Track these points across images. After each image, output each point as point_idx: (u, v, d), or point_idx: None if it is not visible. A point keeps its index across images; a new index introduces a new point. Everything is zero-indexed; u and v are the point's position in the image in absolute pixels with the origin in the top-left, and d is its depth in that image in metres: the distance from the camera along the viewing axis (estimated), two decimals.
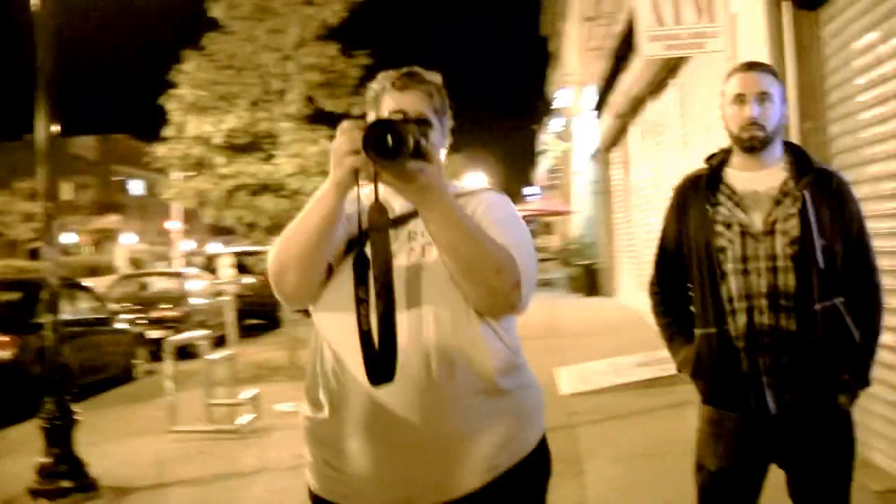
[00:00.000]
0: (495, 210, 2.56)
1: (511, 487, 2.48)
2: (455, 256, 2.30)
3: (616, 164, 24.05)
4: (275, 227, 15.37)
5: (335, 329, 2.45)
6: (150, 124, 16.21)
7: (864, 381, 3.44)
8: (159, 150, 15.35)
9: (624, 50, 16.42)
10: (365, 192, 2.29)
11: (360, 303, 2.26)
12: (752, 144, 3.47)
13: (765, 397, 3.37)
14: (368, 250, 2.29)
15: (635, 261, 19.37)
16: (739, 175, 3.54)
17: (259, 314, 25.83)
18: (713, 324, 3.47)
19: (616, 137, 22.63)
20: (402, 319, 2.29)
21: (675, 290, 3.78)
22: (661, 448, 7.29)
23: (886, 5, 5.63)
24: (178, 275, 21.44)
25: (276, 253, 2.43)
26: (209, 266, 24.58)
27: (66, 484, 7.15)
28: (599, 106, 22.98)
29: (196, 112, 15.01)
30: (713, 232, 3.47)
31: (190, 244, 63.94)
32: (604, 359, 11.99)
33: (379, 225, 2.24)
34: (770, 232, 3.39)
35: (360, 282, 2.27)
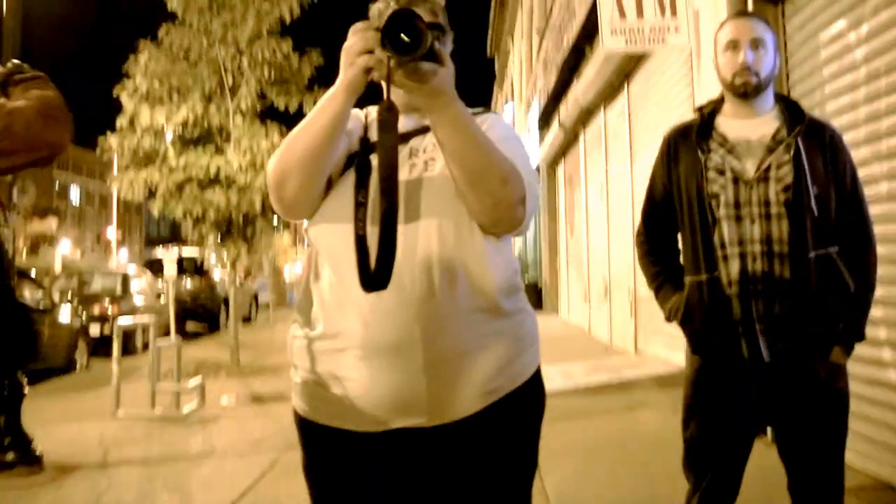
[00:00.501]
0: (499, 129, 2.53)
1: (507, 417, 2.42)
2: (463, 164, 2.25)
3: (560, 180, 24.17)
4: (222, 221, 15.28)
5: (333, 240, 2.37)
6: (101, 122, 16.06)
7: (859, 334, 3.41)
8: (111, 139, 15.19)
9: (575, 60, 16.50)
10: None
11: (359, 207, 2.23)
12: (746, 90, 3.46)
13: (758, 344, 3.33)
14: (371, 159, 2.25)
15: (581, 275, 19.41)
16: (731, 123, 3.52)
17: (200, 317, 25.95)
18: (704, 270, 3.44)
19: (563, 151, 22.72)
20: (403, 232, 2.22)
21: (664, 241, 3.75)
22: (616, 443, 7.26)
23: None
24: (119, 273, 21.42)
25: (277, 159, 2.36)
26: (152, 267, 24.61)
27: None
28: (546, 121, 23.06)
29: (149, 103, 14.89)
30: (705, 178, 3.44)
31: (127, 254, 63.74)
32: (551, 365, 12.00)
33: (388, 122, 2.19)
34: (763, 179, 3.36)
35: (361, 185, 2.24)
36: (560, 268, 24.36)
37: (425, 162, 2.44)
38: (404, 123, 2.38)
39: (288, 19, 14.97)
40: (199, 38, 14.80)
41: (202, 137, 15.00)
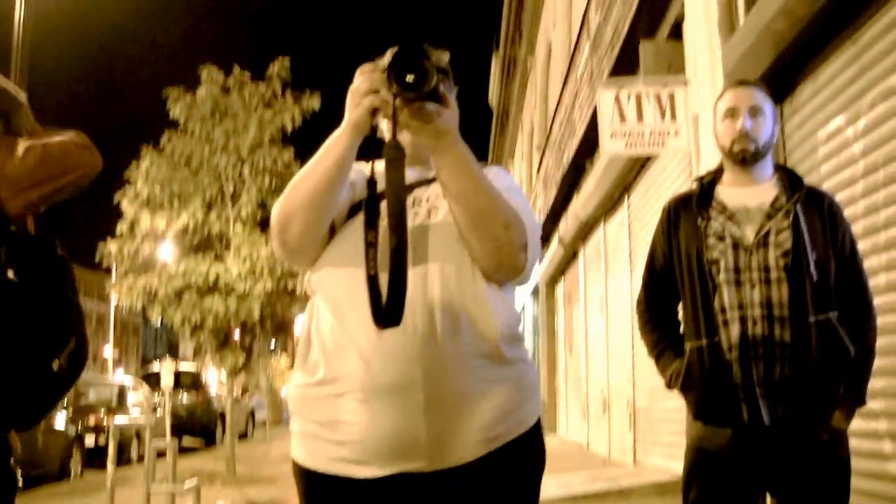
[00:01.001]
0: (504, 179, 2.57)
1: (508, 466, 2.39)
2: (466, 206, 2.28)
3: (559, 298, 24.18)
4: (220, 330, 15.29)
5: (336, 284, 2.38)
6: (100, 231, 16.34)
7: (860, 399, 3.39)
8: (111, 245, 15.33)
9: (574, 176, 16.66)
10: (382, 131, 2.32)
11: (370, 247, 2.21)
12: (744, 157, 3.49)
13: (759, 408, 3.30)
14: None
15: (580, 392, 19.28)
16: (731, 191, 3.55)
17: (196, 432, 25.87)
18: (705, 336, 3.43)
19: (562, 269, 22.78)
20: (408, 276, 2.20)
21: (664, 309, 3.75)
22: None
23: (852, 89, 5.75)
24: (115, 384, 21.34)
25: (282, 202, 2.39)
26: (149, 380, 24.63)
27: None
28: (545, 239, 23.18)
29: (150, 209, 15.07)
30: (705, 245, 3.46)
31: (123, 373, 63.49)
32: (548, 477, 11.83)
33: (395, 160, 2.20)
34: (763, 244, 3.38)
35: (370, 225, 2.23)
36: (559, 386, 24.20)
37: (428, 210, 2.47)
38: (408, 175, 2.39)
39: (289, 128, 15.27)
40: (201, 146, 15.05)
41: (202, 244, 15.15)
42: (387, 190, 2.20)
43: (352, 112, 2.25)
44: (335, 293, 2.38)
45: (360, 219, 2.33)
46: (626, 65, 10.72)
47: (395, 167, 2.20)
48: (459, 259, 2.35)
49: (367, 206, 2.26)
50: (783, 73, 6.61)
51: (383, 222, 2.24)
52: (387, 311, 2.15)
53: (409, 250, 2.25)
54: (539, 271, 24.57)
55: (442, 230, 2.39)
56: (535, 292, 26.98)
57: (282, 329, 17.56)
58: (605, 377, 15.75)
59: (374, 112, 2.21)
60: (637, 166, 12.22)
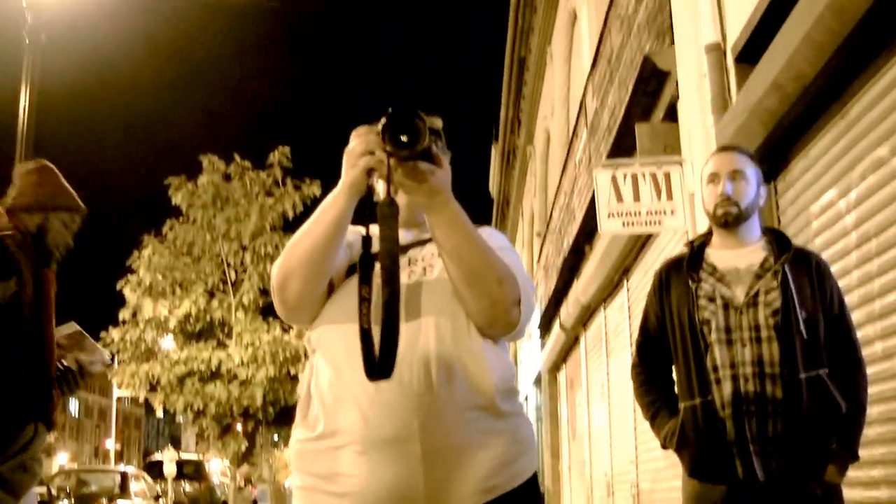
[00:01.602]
0: (497, 239, 2.65)
1: None
2: (460, 263, 2.35)
3: (562, 384, 24.07)
4: (222, 416, 15.26)
5: (334, 340, 2.45)
6: (102, 320, 16.49)
7: (852, 453, 3.43)
8: (113, 333, 15.40)
9: (575, 261, 16.73)
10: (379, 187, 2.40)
11: (363, 301, 2.28)
12: (726, 220, 3.58)
13: (753, 465, 3.34)
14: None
15: (584, 478, 19.10)
16: (720, 254, 3.63)
17: None
18: (698, 394, 3.49)
19: (564, 356, 22.71)
20: (403, 330, 2.27)
21: (659, 371, 3.81)
22: None
23: (842, 162, 5.84)
24: (117, 471, 21.15)
25: (282, 260, 2.46)
26: (151, 469, 24.49)
27: None
28: (546, 327, 23.15)
29: (152, 296, 15.16)
30: (696, 306, 3.53)
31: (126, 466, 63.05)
32: None
33: (388, 216, 2.27)
34: (753, 304, 3.45)
35: (364, 281, 2.30)
36: (562, 472, 23.96)
37: (424, 268, 2.55)
38: (403, 236, 2.47)
39: (291, 215, 15.48)
40: (203, 233, 15.24)
41: (204, 331, 15.24)
42: (380, 245, 2.27)
43: (348, 172, 2.32)
44: (333, 348, 2.45)
45: (356, 277, 2.40)
46: (622, 148, 10.85)
47: (388, 223, 2.27)
48: (454, 314, 2.41)
49: (361, 262, 2.34)
50: (775, 149, 6.71)
51: (378, 279, 2.31)
52: (379, 363, 2.20)
53: (404, 305, 2.33)
54: (541, 359, 24.54)
55: (437, 287, 2.46)
56: (538, 381, 26.87)
57: (285, 419, 17.53)
58: (609, 460, 15.63)
59: (369, 172, 2.28)
60: (635, 249, 12.29)
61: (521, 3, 22.03)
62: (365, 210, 2.41)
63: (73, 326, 3.96)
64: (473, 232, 2.39)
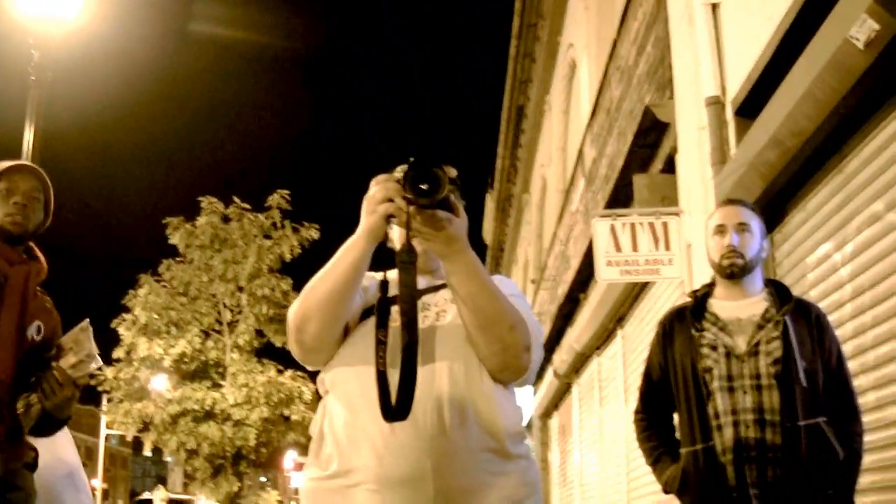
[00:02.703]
0: (508, 286, 2.72)
1: None
2: (474, 309, 2.41)
3: (553, 430, 24.04)
4: (215, 456, 15.24)
5: (349, 381, 2.51)
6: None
7: (849, 500, 3.50)
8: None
9: (569, 308, 16.79)
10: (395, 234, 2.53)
11: (380, 345, 2.34)
12: (732, 271, 3.66)
13: None
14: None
15: None
16: (723, 304, 3.71)
17: None
18: (700, 441, 3.56)
19: (555, 403, 22.69)
20: (418, 373, 2.32)
21: (660, 416, 3.88)
22: None
23: (839, 216, 5.94)
24: None
25: (300, 303, 2.53)
26: None
27: None
28: (539, 373, 23.12)
29: (147, 335, 15.19)
30: (699, 354, 3.61)
31: None
32: None
33: (408, 263, 2.34)
34: (754, 353, 3.53)
35: (381, 325, 2.36)
36: None
37: (437, 313, 2.61)
38: (418, 282, 2.54)
39: (288, 257, 15.55)
40: (200, 274, 15.31)
41: (198, 371, 15.28)
42: (400, 290, 2.32)
43: (367, 218, 2.38)
44: (348, 390, 2.50)
45: (371, 321, 2.46)
46: (620, 198, 10.96)
47: (407, 270, 2.33)
48: (467, 359, 2.48)
49: (378, 306, 2.39)
50: (773, 202, 6.80)
51: (394, 323, 2.38)
52: (396, 405, 2.26)
53: (419, 349, 2.38)
54: (533, 405, 24.49)
55: (450, 332, 2.53)
56: (529, 427, 26.82)
57: (273, 463, 17.49)
58: None
59: (388, 219, 2.34)
60: (630, 297, 12.35)
61: (520, 53, 22.19)
62: (380, 255, 2.49)
63: (84, 323, 3.91)
64: (488, 279, 2.46)
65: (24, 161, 4.08)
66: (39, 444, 3.82)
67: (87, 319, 3.92)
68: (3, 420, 3.54)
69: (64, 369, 3.63)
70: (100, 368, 15.24)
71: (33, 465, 3.75)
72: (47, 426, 3.76)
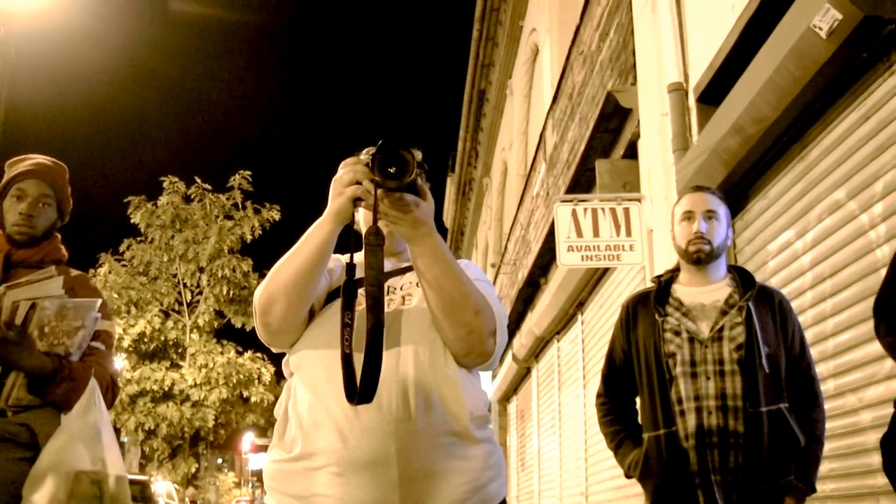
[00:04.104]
0: (474, 271, 2.74)
1: None
2: (440, 292, 2.41)
3: (512, 415, 24.15)
4: (173, 436, 15.20)
5: (314, 364, 2.50)
6: None
7: (810, 486, 3.53)
8: None
9: (530, 293, 16.84)
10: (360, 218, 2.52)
11: (345, 327, 2.32)
12: (699, 257, 3.68)
13: (715, 496, 3.44)
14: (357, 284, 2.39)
15: None
16: (687, 290, 3.73)
17: None
18: (662, 426, 3.58)
19: (514, 387, 22.79)
20: (384, 356, 2.31)
21: (623, 401, 3.90)
22: None
23: (800, 204, 5.99)
24: None
25: (266, 285, 2.52)
26: None
27: None
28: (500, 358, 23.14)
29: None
30: (662, 339, 3.63)
31: None
32: None
33: (375, 245, 2.33)
34: (717, 339, 3.55)
35: (347, 307, 2.35)
36: None
37: (402, 297, 2.62)
38: (384, 265, 2.54)
39: (249, 238, 15.52)
40: (161, 254, 15.25)
41: (158, 351, 15.22)
42: (366, 273, 2.31)
43: (335, 201, 2.37)
44: (313, 372, 2.49)
45: (337, 304, 2.45)
46: (581, 183, 11.00)
47: (374, 252, 2.32)
48: (432, 342, 2.48)
49: (345, 288, 2.37)
50: (734, 189, 6.85)
51: (360, 306, 2.37)
52: (361, 387, 2.24)
53: (385, 332, 2.38)
54: (492, 389, 24.57)
55: (416, 315, 2.53)
56: (488, 410, 26.87)
57: (230, 445, 17.47)
58: (559, 492, 15.70)
59: (356, 202, 2.34)
60: (591, 282, 12.41)
61: (482, 36, 22.18)
62: (347, 238, 2.48)
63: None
64: (453, 263, 2.45)
65: (39, 159, 4.06)
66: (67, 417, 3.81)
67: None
68: None
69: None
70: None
71: (27, 444, 3.72)
72: (38, 387, 3.73)
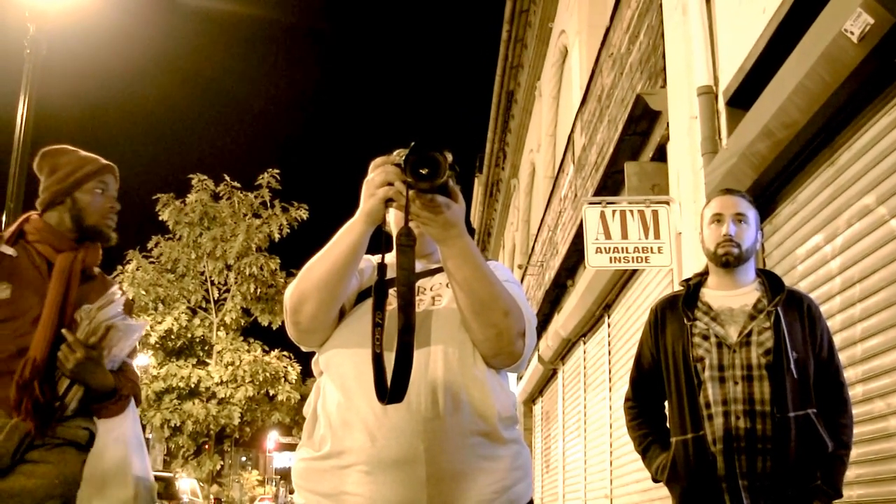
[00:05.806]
0: (503, 272, 2.74)
1: None
2: (470, 293, 2.42)
3: (537, 416, 24.10)
4: (199, 433, 15.26)
5: (344, 363, 2.53)
6: None
7: (837, 491, 3.53)
8: None
9: (556, 294, 16.81)
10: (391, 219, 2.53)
11: (376, 327, 2.34)
12: (728, 260, 3.68)
13: (741, 500, 3.44)
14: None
15: None
16: (715, 294, 3.73)
17: None
18: (690, 430, 3.58)
19: (540, 388, 22.75)
20: (414, 356, 2.32)
21: (651, 405, 3.90)
22: None
23: (829, 208, 5.97)
24: None
25: (297, 283, 2.53)
26: None
27: None
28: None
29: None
30: (691, 343, 3.63)
31: None
32: None
33: (406, 245, 2.34)
34: (745, 343, 3.55)
35: (378, 307, 2.37)
36: None
37: (432, 298, 2.63)
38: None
39: (277, 237, 15.57)
40: (188, 252, 15.32)
41: (184, 348, 15.30)
42: (398, 273, 2.33)
43: (366, 202, 2.38)
44: (343, 371, 2.51)
45: (367, 303, 2.47)
46: (609, 186, 10.98)
47: (406, 253, 2.33)
48: (461, 343, 2.50)
49: (376, 288, 2.39)
50: (763, 193, 6.83)
51: (390, 306, 2.39)
52: (392, 387, 2.26)
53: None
54: (517, 390, 24.54)
55: (445, 316, 2.54)
56: (515, 410, 26.78)
57: (254, 443, 17.54)
58: (583, 494, 15.67)
59: (387, 203, 2.35)
60: (618, 285, 12.38)
61: (511, 38, 22.16)
62: (377, 239, 2.50)
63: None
64: (483, 265, 2.46)
65: (104, 161, 4.09)
66: (106, 425, 3.87)
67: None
68: (31, 395, 3.55)
69: (72, 333, 3.64)
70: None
71: (85, 446, 3.76)
72: (96, 402, 3.77)
